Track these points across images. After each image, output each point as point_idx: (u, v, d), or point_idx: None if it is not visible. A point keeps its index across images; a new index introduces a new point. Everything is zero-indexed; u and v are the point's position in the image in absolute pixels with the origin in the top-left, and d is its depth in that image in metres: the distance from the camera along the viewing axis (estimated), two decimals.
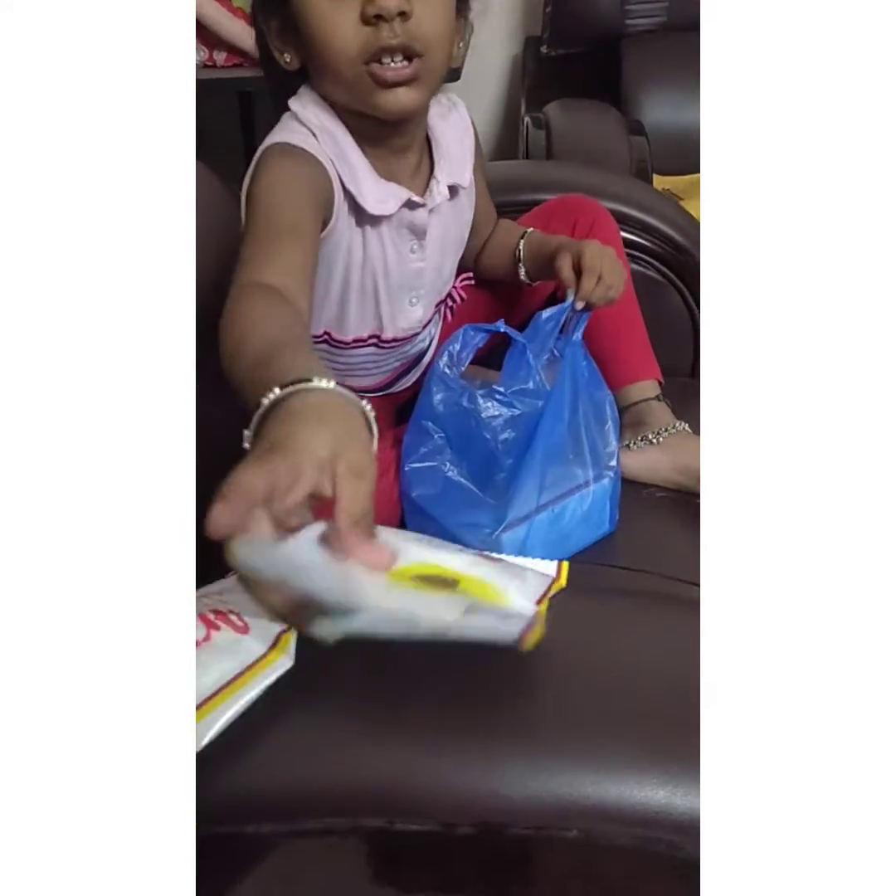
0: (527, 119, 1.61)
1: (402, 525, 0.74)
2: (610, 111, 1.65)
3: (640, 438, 0.84)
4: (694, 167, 1.59)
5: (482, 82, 2.09)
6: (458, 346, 0.73)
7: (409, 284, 0.79)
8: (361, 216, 0.72)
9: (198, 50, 1.70)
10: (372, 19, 0.64)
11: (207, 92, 1.30)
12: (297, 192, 0.67)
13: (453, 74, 0.95)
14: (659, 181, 1.61)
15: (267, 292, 0.58)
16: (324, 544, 0.36)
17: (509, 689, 0.41)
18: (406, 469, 0.72)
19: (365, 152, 0.72)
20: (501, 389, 0.71)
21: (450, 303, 0.92)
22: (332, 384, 0.43)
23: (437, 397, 0.72)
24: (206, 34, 1.70)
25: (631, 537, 0.77)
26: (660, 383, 0.88)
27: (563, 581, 0.46)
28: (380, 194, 0.72)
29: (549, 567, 0.47)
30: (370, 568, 0.36)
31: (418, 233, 0.76)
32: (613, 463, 0.76)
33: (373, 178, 0.72)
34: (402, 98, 0.67)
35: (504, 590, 0.40)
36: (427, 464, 0.72)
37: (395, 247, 0.76)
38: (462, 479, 0.71)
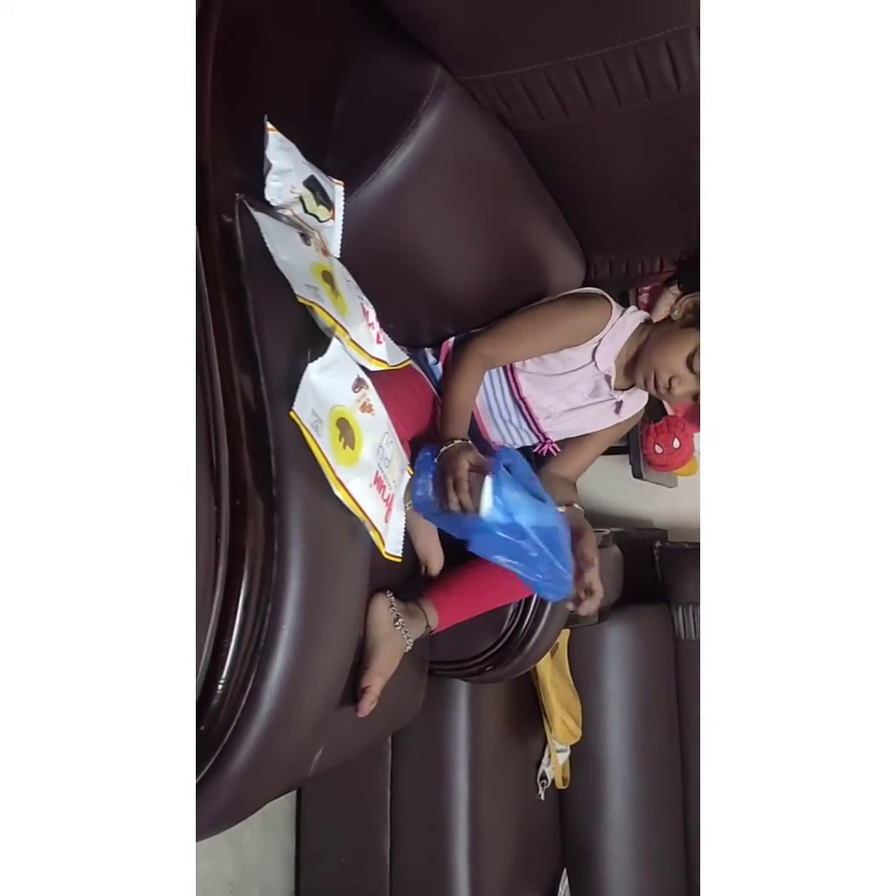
0: None
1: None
2: None
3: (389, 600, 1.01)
4: None
5: None
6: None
7: (564, 395, 1.21)
8: (596, 352, 1.19)
9: None
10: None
11: None
12: (568, 331, 1.16)
13: None
14: None
15: (482, 371, 1.15)
16: None
17: None
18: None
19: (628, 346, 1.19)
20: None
21: (548, 447, 1.29)
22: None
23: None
24: None
25: None
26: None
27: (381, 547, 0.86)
28: (606, 354, 1.18)
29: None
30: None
31: (597, 391, 1.21)
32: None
33: (610, 348, 1.18)
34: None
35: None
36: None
37: (579, 381, 1.20)
38: None
